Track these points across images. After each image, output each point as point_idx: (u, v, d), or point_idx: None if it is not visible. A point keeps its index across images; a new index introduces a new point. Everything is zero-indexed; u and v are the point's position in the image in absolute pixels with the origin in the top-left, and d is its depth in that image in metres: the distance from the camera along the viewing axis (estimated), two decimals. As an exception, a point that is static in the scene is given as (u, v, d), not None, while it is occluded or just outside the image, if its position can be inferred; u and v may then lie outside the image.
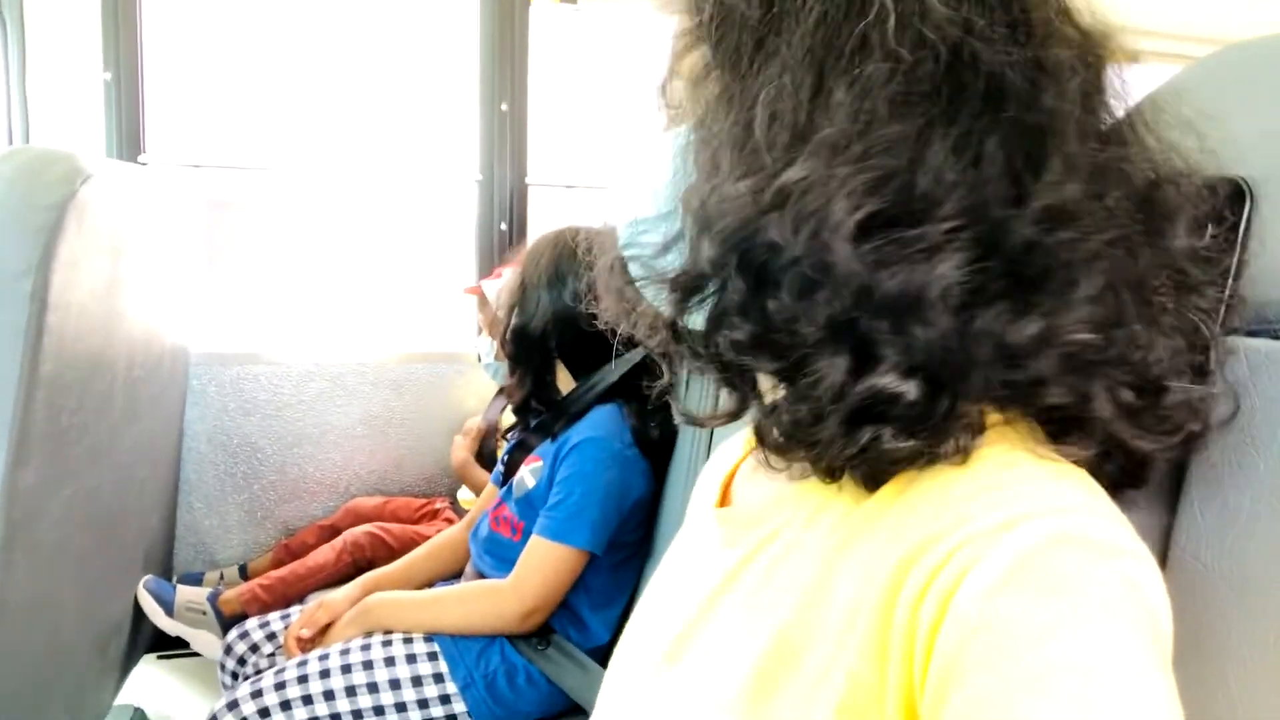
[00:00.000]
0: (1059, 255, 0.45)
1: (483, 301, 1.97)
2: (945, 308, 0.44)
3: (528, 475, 1.47)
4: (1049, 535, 0.41)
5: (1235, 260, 0.64)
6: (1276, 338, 0.60)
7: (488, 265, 2.27)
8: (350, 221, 2.41)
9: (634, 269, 0.56)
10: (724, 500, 0.67)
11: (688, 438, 1.43)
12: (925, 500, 0.46)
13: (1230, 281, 0.64)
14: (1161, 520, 0.65)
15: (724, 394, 0.59)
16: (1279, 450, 0.57)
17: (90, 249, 1.18)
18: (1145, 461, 0.52)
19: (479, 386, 2.24)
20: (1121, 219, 0.48)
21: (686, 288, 0.51)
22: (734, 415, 0.57)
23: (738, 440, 0.73)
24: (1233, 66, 0.74)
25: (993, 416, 0.48)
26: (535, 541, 1.37)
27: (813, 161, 0.45)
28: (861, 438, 0.46)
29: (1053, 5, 0.50)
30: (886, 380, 0.45)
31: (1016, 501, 0.43)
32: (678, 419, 0.62)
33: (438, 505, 2.16)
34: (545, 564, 1.36)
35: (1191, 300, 0.53)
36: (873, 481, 0.48)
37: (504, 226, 2.29)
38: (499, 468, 1.66)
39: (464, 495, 2.17)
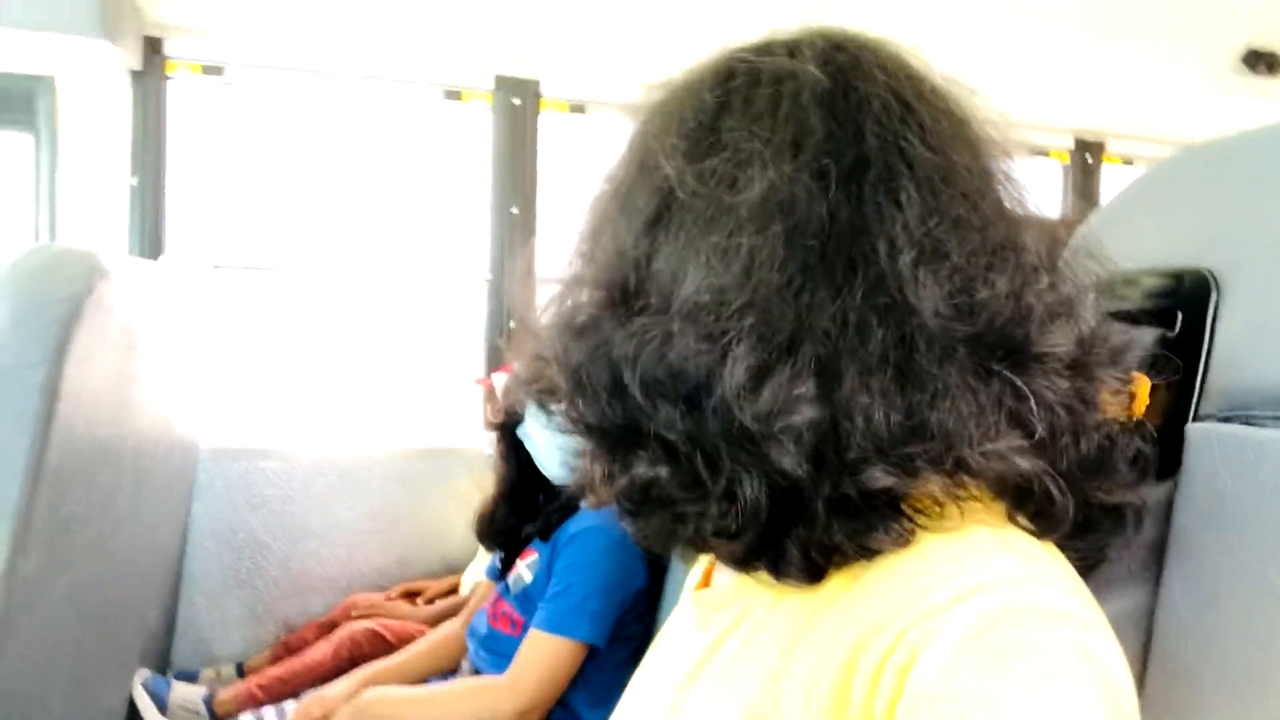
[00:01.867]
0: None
1: (490, 395, 1.99)
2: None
3: (525, 570, 1.46)
4: (999, 608, 0.42)
5: (1204, 349, 0.65)
6: (1247, 423, 0.61)
7: (496, 362, 2.30)
8: (363, 319, 2.46)
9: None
10: (705, 582, 0.68)
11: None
12: (879, 578, 0.47)
13: (1201, 370, 0.65)
14: (1142, 605, 0.65)
15: None
16: (1254, 536, 0.58)
17: (104, 343, 1.21)
18: (1103, 542, 0.54)
19: (484, 481, 2.24)
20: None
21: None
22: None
23: None
24: (1194, 166, 0.77)
25: (961, 493, 0.48)
26: (533, 635, 1.36)
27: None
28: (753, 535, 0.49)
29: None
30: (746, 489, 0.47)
31: (966, 575, 0.44)
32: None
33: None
34: (544, 658, 1.34)
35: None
36: (809, 576, 0.49)
37: (513, 323, 2.34)
38: (495, 562, 1.66)
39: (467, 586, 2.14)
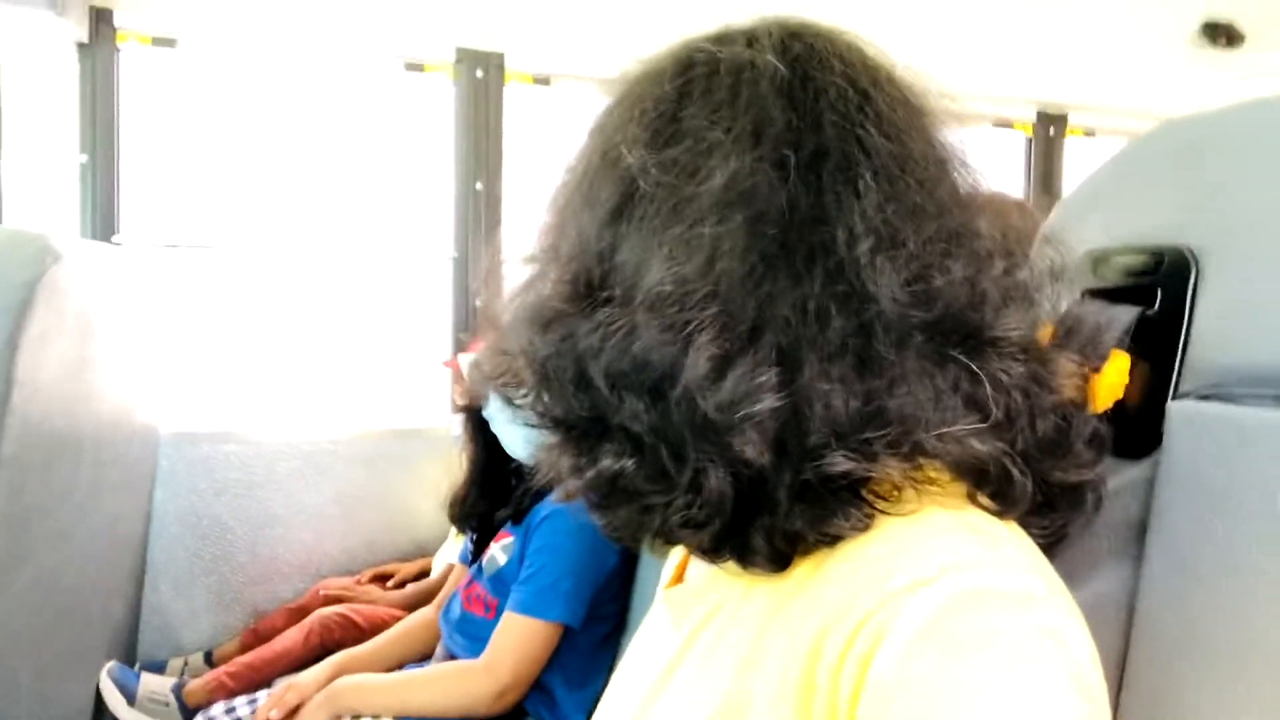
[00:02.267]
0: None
1: (458, 376, 1.97)
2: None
3: (499, 552, 1.45)
4: (960, 591, 0.42)
5: (1184, 328, 0.66)
6: (1227, 401, 0.61)
7: (463, 342, 2.28)
8: (325, 299, 2.42)
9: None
10: (678, 579, 0.67)
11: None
12: (840, 566, 0.47)
13: (1180, 348, 0.65)
14: (1124, 584, 0.65)
15: None
16: (1234, 512, 0.58)
17: (59, 328, 1.18)
18: (1063, 520, 0.54)
19: (452, 463, 2.23)
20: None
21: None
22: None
23: None
24: (1173, 143, 0.77)
25: (919, 475, 0.48)
26: (508, 617, 1.35)
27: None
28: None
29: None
30: (713, 481, 0.47)
31: (927, 558, 0.44)
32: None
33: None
34: (519, 640, 1.34)
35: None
36: (776, 563, 0.49)
37: (479, 301, 2.31)
38: (468, 545, 1.65)
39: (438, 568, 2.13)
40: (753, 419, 0.45)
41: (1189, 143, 0.75)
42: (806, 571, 0.49)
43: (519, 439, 1.42)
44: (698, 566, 0.65)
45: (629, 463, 0.49)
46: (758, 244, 0.47)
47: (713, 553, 0.51)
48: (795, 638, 0.46)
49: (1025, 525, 0.51)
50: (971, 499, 0.49)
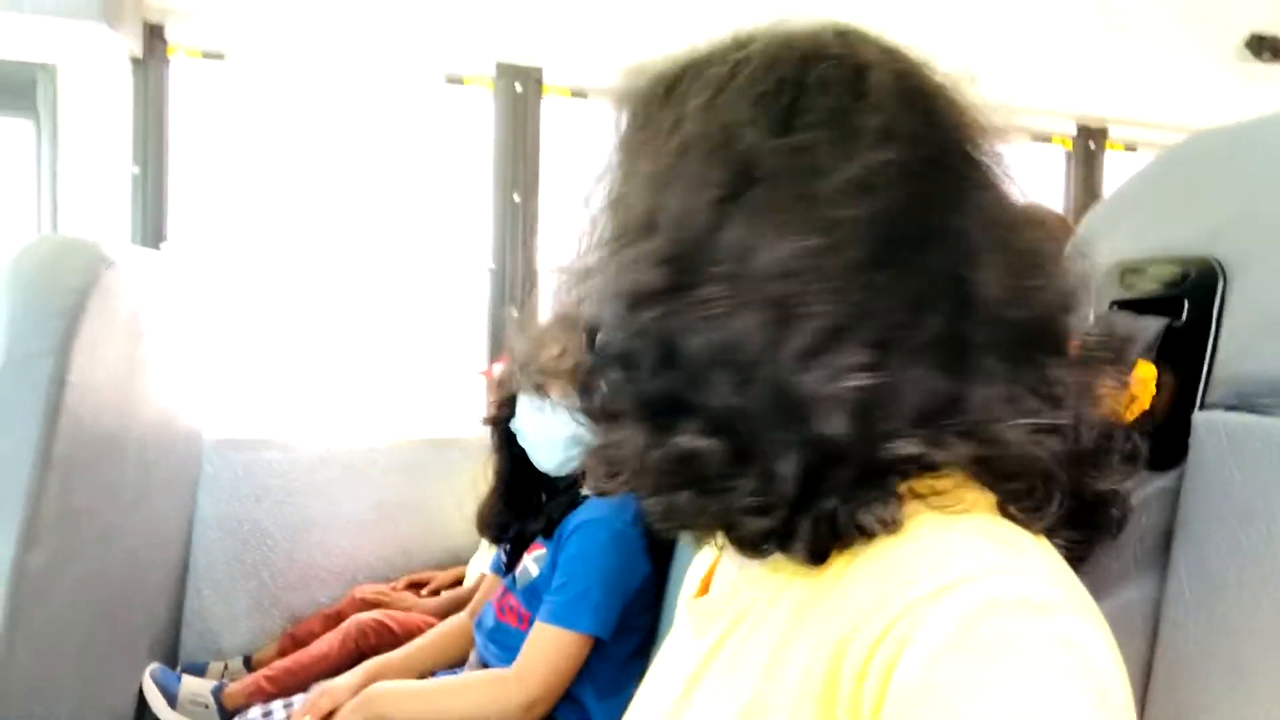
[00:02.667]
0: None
1: (492, 386, 1.99)
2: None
3: (531, 564, 1.46)
4: (985, 599, 0.42)
5: (1211, 339, 0.65)
6: (1254, 412, 0.61)
7: (499, 351, 2.30)
8: (365, 309, 2.46)
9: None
10: (703, 590, 0.68)
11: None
12: (867, 569, 0.47)
13: (1207, 359, 0.65)
14: (1149, 595, 0.65)
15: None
16: (1260, 524, 0.58)
17: (111, 332, 1.22)
18: (1086, 538, 0.55)
19: (489, 471, 2.25)
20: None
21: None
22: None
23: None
24: (1203, 153, 0.77)
25: (944, 482, 0.50)
26: (539, 628, 1.36)
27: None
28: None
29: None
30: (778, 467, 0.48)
31: (951, 566, 0.44)
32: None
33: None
34: (549, 651, 1.34)
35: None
36: (814, 558, 0.49)
37: (515, 312, 2.34)
38: (501, 555, 1.66)
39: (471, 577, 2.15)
40: (840, 400, 0.46)
41: (1219, 154, 0.75)
42: (831, 577, 0.49)
43: (546, 448, 1.44)
44: (723, 578, 0.65)
45: (706, 443, 0.49)
46: (876, 235, 0.49)
47: (759, 544, 0.51)
48: (819, 643, 0.47)
49: (1050, 538, 0.51)
50: (1001, 509, 0.50)
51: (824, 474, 0.48)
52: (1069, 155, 2.73)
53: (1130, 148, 2.77)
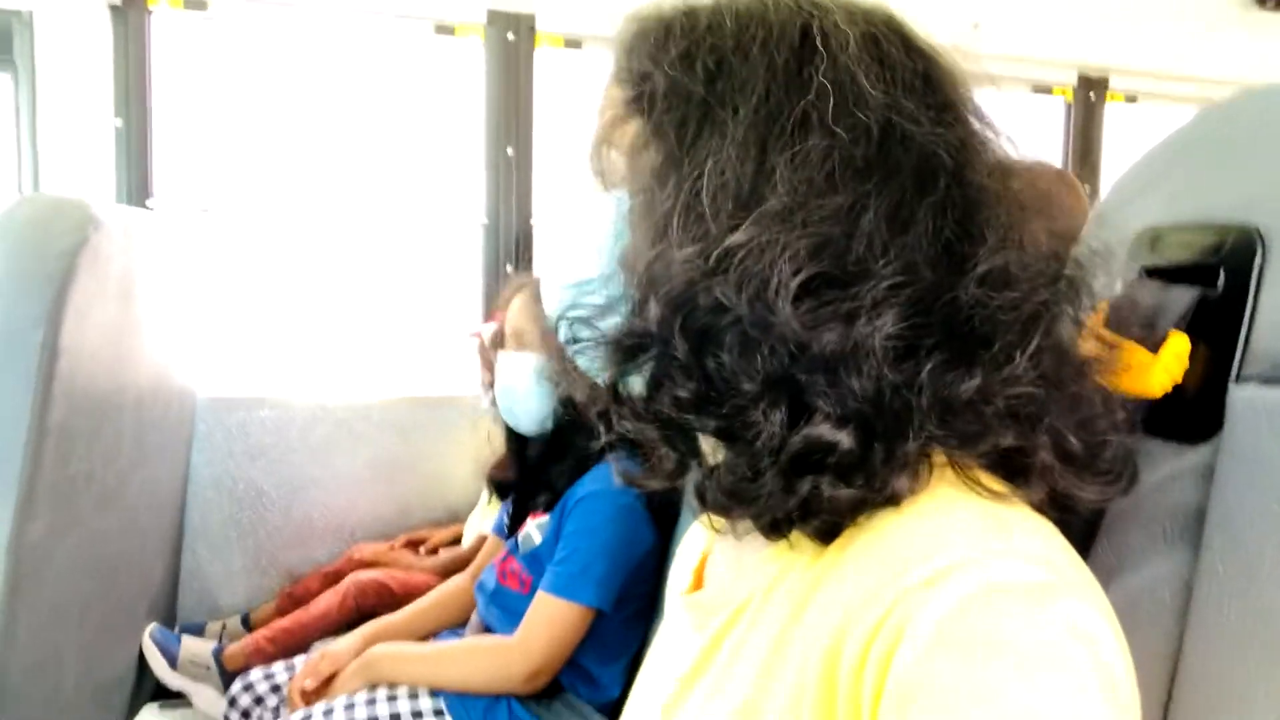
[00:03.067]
0: (999, 315, 0.48)
1: (483, 348, 1.97)
2: (879, 361, 0.46)
3: (534, 530, 1.46)
4: (981, 585, 0.40)
5: (1249, 310, 0.64)
6: (1293, 388, 0.60)
7: (493, 307, 2.28)
8: (357, 265, 2.43)
9: (573, 331, 0.56)
10: (697, 585, 0.67)
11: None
12: (864, 552, 0.46)
13: (1245, 331, 0.64)
14: (1180, 571, 0.64)
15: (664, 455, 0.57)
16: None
17: (101, 295, 1.18)
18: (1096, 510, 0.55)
19: (485, 429, 2.24)
20: (1052, 284, 0.51)
21: (628, 349, 0.52)
22: (672, 476, 0.56)
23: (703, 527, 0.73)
24: (1245, 113, 0.74)
25: (938, 458, 0.48)
26: (541, 597, 1.36)
27: (755, 228, 0.47)
28: (801, 489, 0.46)
29: (967, 90, 0.54)
30: (821, 430, 0.46)
31: (947, 549, 0.42)
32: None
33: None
34: (552, 621, 1.35)
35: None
36: (824, 535, 0.48)
37: (510, 268, 2.30)
38: (503, 517, 1.66)
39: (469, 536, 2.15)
40: (927, 385, 0.46)
41: (1263, 115, 0.73)
42: (827, 564, 0.48)
43: (523, 410, 1.45)
44: (716, 570, 0.65)
45: (842, 433, 0.46)
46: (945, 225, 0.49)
47: (778, 525, 0.49)
48: (814, 638, 0.46)
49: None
50: (976, 482, 0.48)
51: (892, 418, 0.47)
52: (1068, 106, 2.70)
53: (1131, 99, 2.73)
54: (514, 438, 1.57)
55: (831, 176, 0.48)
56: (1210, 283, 0.66)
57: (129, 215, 1.30)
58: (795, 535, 0.50)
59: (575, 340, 0.55)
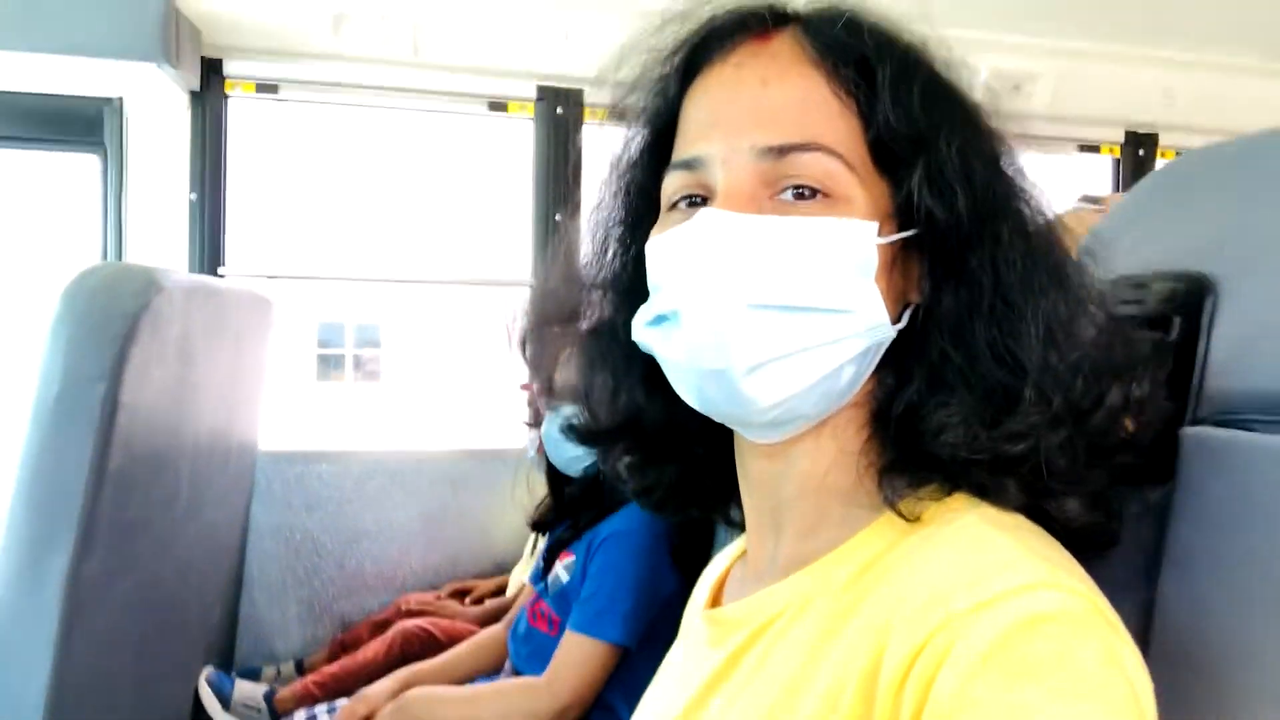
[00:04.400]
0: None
1: (532, 398, 2.03)
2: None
3: (561, 570, 1.50)
4: (1027, 614, 0.42)
5: (1201, 354, 0.66)
6: (1241, 428, 0.62)
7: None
8: (415, 325, 2.53)
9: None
10: (715, 603, 0.69)
11: (722, 531, 1.45)
12: (906, 580, 0.47)
13: (1197, 375, 0.66)
14: (1140, 608, 0.65)
15: None
16: (1245, 540, 0.58)
17: (161, 355, 1.28)
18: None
19: (533, 483, 2.29)
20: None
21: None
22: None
23: (729, 550, 0.76)
24: (1199, 169, 0.77)
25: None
26: (569, 636, 1.39)
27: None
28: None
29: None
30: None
31: (992, 579, 0.44)
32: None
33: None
34: (579, 659, 1.37)
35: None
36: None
37: (557, 328, 2.38)
38: (538, 563, 1.70)
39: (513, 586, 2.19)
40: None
41: (1216, 170, 0.75)
42: (866, 587, 0.50)
43: (554, 446, 1.49)
44: (736, 589, 0.67)
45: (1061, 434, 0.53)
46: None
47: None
48: (850, 657, 0.47)
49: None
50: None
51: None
52: (1116, 163, 2.69)
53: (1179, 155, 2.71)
54: (554, 481, 1.61)
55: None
56: (1167, 329, 0.68)
57: (191, 281, 1.41)
58: (833, 558, 0.54)
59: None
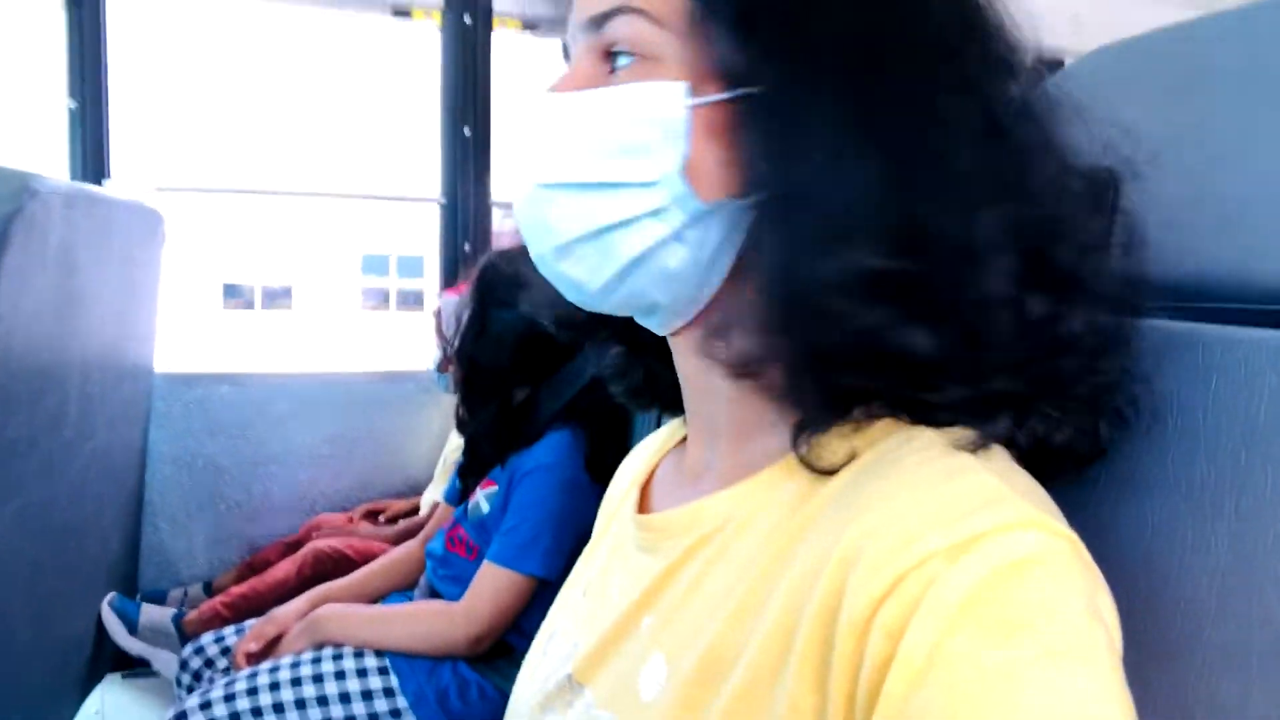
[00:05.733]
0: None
1: (440, 321, 2.00)
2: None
3: (482, 500, 1.49)
4: (1008, 559, 0.37)
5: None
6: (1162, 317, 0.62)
7: (451, 284, 2.30)
8: (317, 242, 2.45)
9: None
10: (643, 506, 0.64)
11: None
12: (868, 505, 0.42)
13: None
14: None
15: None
16: (1185, 442, 0.56)
17: (38, 264, 1.20)
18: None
19: (443, 403, 2.27)
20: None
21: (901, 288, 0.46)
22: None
23: (651, 441, 0.72)
24: (1103, 68, 0.78)
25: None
26: (487, 567, 1.39)
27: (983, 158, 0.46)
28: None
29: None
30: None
31: (968, 516, 0.39)
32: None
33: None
34: (497, 590, 1.37)
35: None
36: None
37: (467, 246, 2.33)
38: (452, 482, 1.68)
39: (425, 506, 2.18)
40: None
41: (1118, 69, 0.76)
42: (812, 515, 0.45)
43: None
44: (675, 494, 0.60)
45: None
46: None
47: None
48: (802, 588, 0.42)
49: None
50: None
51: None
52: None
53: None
54: (473, 386, 1.55)
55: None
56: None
57: (72, 190, 1.32)
58: (777, 471, 0.49)
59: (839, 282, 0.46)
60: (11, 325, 1.13)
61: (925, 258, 0.44)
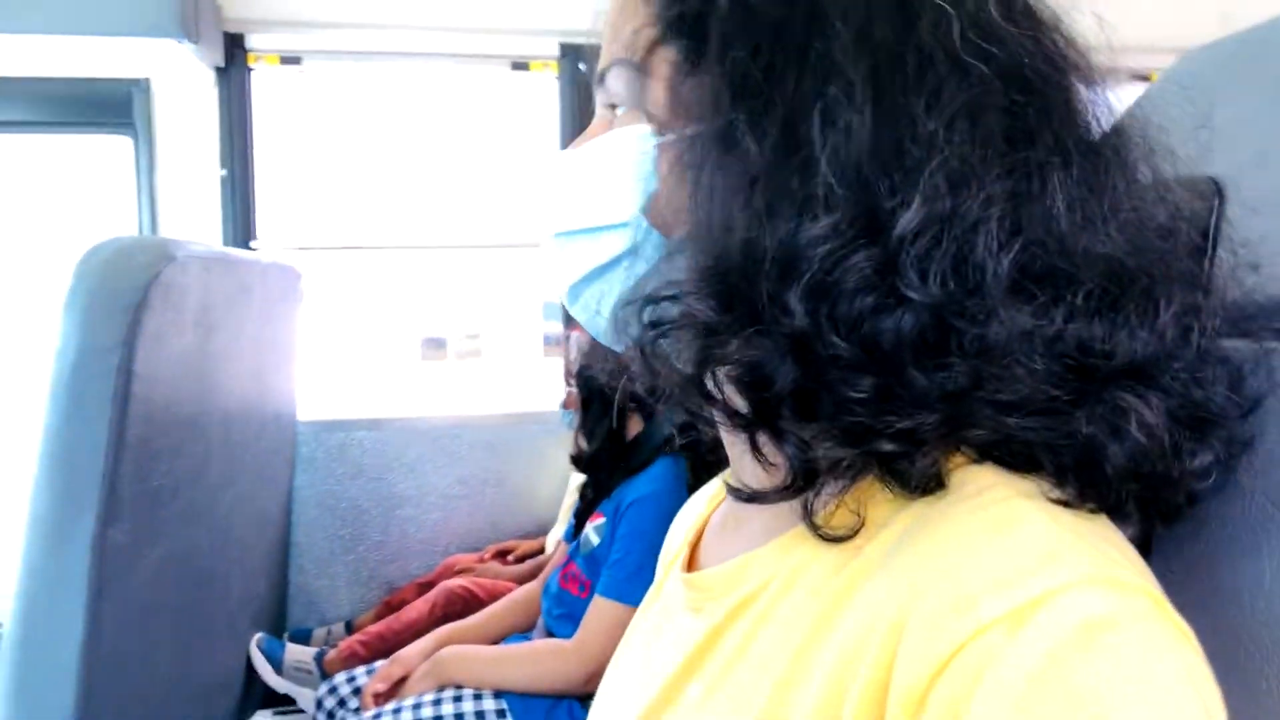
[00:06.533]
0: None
1: (569, 358, 2.03)
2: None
3: (591, 533, 1.50)
4: (1077, 624, 0.33)
5: (1209, 258, 0.61)
6: (1245, 337, 0.57)
7: (571, 322, 2.34)
8: (447, 291, 2.54)
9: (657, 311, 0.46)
10: (691, 563, 0.62)
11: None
12: (917, 563, 0.39)
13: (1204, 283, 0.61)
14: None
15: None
16: (1258, 460, 0.54)
17: (178, 325, 1.30)
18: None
19: (568, 444, 2.29)
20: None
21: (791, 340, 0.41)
22: (790, 489, 0.44)
23: (706, 490, 0.70)
24: (1194, 74, 0.72)
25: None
26: (597, 601, 1.39)
27: (922, 196, 0.38)
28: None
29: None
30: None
31: (1028, 574, 0.35)
32: (731, 496, 0.50)
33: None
34: (607, 623, 1.37)
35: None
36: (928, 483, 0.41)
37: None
38: (570, 524, 1.70)
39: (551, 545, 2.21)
40: None
41: (1212, 73, 0.70)
42: (861, 572, 0.42)
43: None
44: (721, 550, 0.58)
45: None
46: None
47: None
48: (852, 656, 0.39)
49: None
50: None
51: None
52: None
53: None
54: (590, 425, 1.59)
55: (991, 130, 0.39)
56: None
57: (208, 252, 1.42)
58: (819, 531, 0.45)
59: (657, 324, 0.45)
60: (153, 382, 1.21)
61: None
